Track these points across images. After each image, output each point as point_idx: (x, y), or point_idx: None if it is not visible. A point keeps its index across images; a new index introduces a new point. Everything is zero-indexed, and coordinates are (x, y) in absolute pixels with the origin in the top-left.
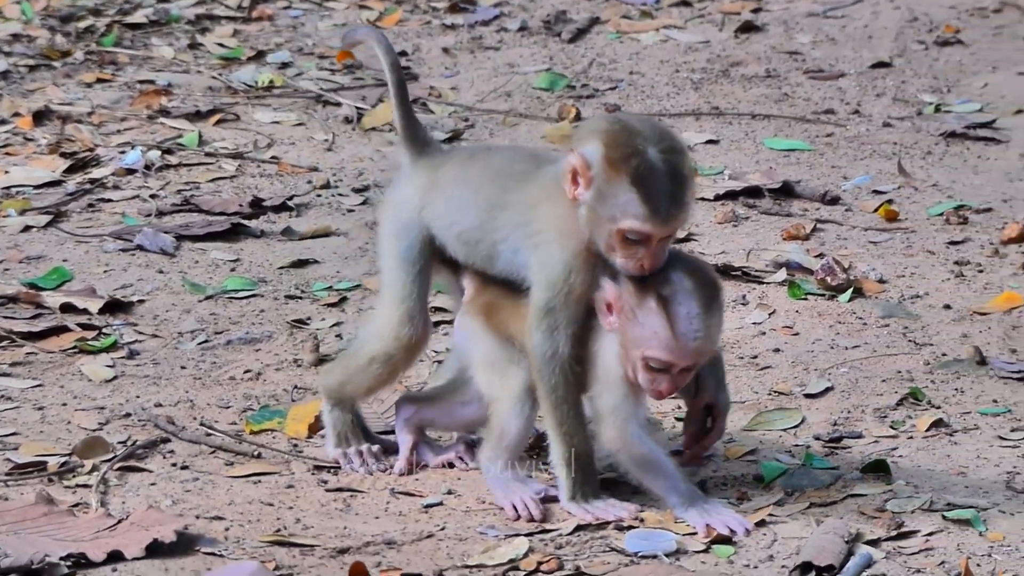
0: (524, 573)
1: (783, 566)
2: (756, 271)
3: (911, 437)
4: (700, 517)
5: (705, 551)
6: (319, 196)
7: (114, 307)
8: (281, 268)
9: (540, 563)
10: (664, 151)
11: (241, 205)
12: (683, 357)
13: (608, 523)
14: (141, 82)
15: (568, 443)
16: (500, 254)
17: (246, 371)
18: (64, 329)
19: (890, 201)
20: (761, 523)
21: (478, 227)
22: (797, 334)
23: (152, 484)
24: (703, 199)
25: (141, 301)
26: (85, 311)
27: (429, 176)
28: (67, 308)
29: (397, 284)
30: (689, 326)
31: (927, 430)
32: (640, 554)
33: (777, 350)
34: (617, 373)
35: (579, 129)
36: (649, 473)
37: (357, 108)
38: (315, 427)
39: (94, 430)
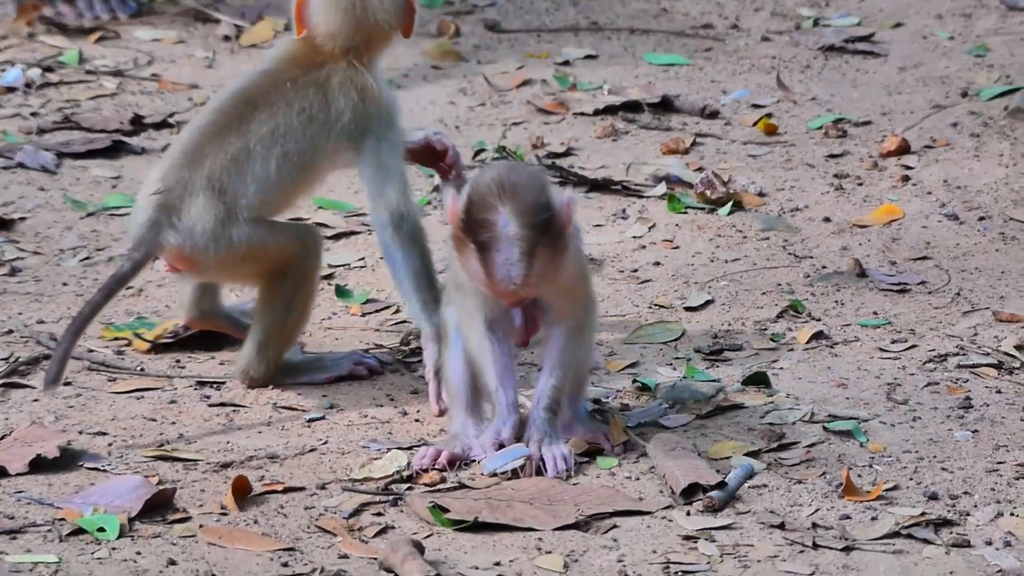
0: (407, 486)
1: (664, 476)
2: (636, 185)
3: (791, 349)
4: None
5: (588, 462)
6: None
7: None
8: None
9: (418, 474)
10: None
11: (122, 123)
12: (505, 296)
13: None
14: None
15: (428, 290)
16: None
17: (128, 287)
18: None
19: (769, 115)
20: (629, 442)
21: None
22: (677, 247)
23: (35, 400)
24: (583, 114)
25: (23, 218)
26: None
27: None
28: None
29: None
30: (507, 272)
31: (807, 342)
32: (499, 470)
33: (657, 263)
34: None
35: None
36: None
37: (236, 25)
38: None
39: None
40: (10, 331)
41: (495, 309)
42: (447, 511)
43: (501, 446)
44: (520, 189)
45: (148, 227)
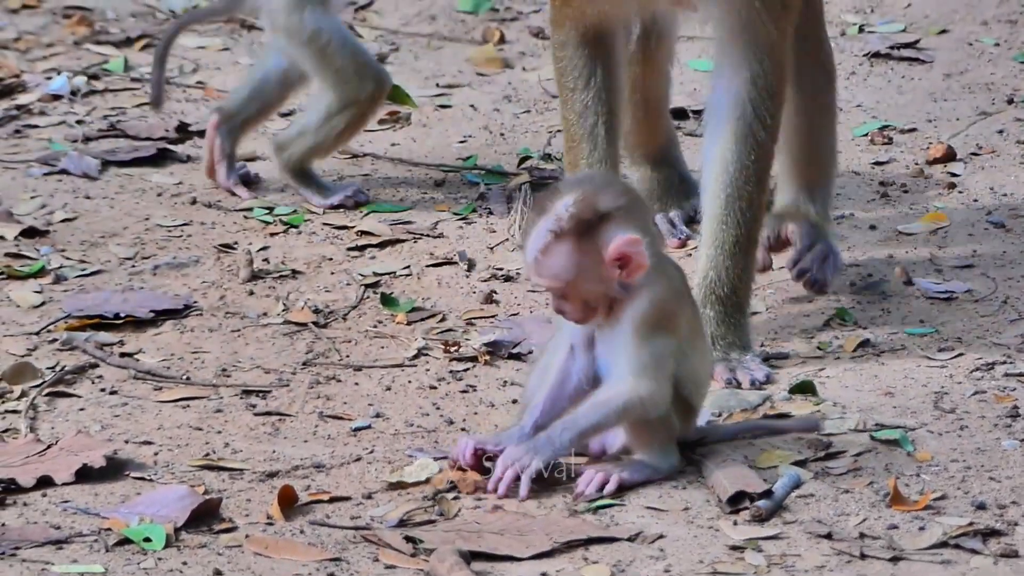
0: (453, 495)
1: (712, 485)
2: None
3: (838, 358)
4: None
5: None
6: None
7: (41, 232)
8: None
9: (454, 483)
10: None
11: (167, 130)
12: (529, 273)
13: None
14: (67, 8)
15: None
16: None
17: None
18: None
19: None
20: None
21: None
22: None
23: (81, 409)
24: None
25: (66, 220)
26: (5, 237)
27: None
28: None
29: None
30: (533, 243)
31: (854, 350)
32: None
33: None
34: None
35: None
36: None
37: None
38: None
39: (22, 356)
40: (56, 340)
41: (581, 335)
42: (420, 542)
43: (484, 454)
44: (597, 191)
45: None
